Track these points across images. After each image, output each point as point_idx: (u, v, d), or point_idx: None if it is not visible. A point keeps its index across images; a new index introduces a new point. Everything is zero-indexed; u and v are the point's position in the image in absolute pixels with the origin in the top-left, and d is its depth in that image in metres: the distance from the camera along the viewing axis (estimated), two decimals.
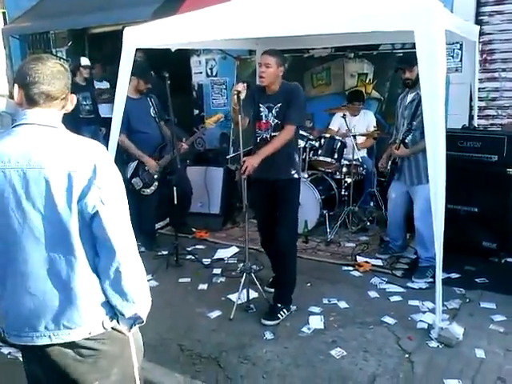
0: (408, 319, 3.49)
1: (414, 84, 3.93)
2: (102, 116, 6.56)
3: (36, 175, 1.56)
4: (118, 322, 1.73)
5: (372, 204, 5.47)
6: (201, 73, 7.45)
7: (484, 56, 5.42)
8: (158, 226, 5.44)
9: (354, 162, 5.26)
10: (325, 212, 5.13)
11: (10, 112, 4.89)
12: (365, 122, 5.64)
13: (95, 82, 6.92)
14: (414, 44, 2.95)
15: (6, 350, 3.27)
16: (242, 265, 4.27)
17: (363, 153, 5.74)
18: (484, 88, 5.46)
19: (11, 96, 6.52)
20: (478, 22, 5.29)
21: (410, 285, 4.00)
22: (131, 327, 1.76)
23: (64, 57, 8.39)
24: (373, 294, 3.89)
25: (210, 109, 7.32)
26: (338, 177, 5.48)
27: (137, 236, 1.73)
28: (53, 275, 1.62)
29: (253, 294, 3.76)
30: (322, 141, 5.30)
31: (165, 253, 4.68)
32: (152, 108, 4.80)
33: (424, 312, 3.56)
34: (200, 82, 7.50)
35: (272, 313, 3.52)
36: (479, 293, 3.81)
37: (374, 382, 2.86)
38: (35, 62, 1.65)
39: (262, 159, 3.40)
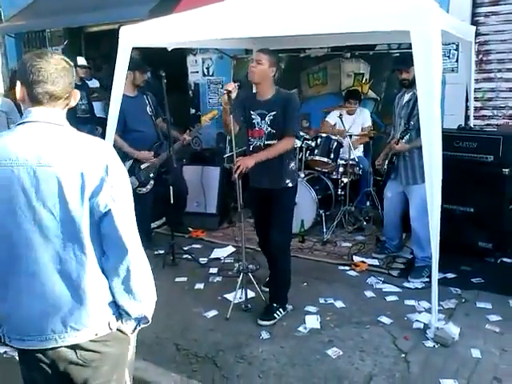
0: (404, 319, 3.49)
1: (411, 84, 3.94)
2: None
3: (47, 174, 1.53)
4: (122, 323, 1.72)
5: (368, 204, 5.47)
6: (197, 72, 7.45)
7: (480, 56, 5.44)
8: (154, 225, 5.44)
9: (351, 162, 5.28)
10: (321, 212, 5.14)
11: (5, 110, 4.88)
12: (360, 119, 5.68)
13: (86, 80, 6.88)
14: (411, 44, 2.95)
15: (1, 349, 3.25)
16: (238, 264, 4.27)
17: (359, 152, 5.76)
18: (480, 88, 5.48)
19: (6, 94, 6.50)
20: (474, 22, 5.30)
21: (406, 284, 4.01)
22: (135, 328, 1.75)
23: None
24: (369, 293, 3.90)
25: (206, 108, 7.32)
26: (335, 176, 5.50)
27: None
28: (63, 275, 1.59)
29: (250, 294, 3.76)
30: (319, 140, 5.32)
31: (161, 252, 4.67)
32: (148, 106, 4.79)
33: (420, 312, 3.57)
34: (196, 81, 7.50)
35: (268, 313, 3.52)
36: (475, 293, 3.82)
37: (370, 381, 2.86)
38: (39, 58, 1.60)
39: (255, 162, 3.36)
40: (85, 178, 1.54)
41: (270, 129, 3.43)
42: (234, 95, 3.32)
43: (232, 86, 3.32)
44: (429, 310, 3.41)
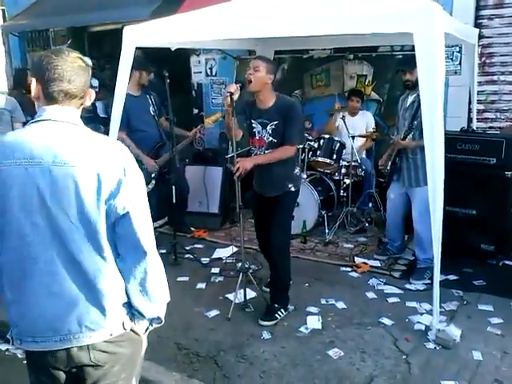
0: (405, 320, 3.49)
1: (415, 86, 3.92)
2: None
3: (63, 173, 1.50)
4: (135, 323, 1.71)
5: (371, 205, 5.48)
6: (200, 72, 7.45)
7: (483, 59, 5.44)
8: (156, 224, 5.44)
9: (353, 163, 5.28)
10: (323, 213, 5.14)
11: (9, 109, 4.87)
12: (363, 122, 5.66)
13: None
14: (414, 46, 2.96)
15: (3, 347, 3.26)
16: (239, 264, 4.27)
17: (362, 154, 5.75)
18: (483, 91, 5.47)
19: (10, 93, 6.51)
20: (478, 25, 5.30)
21: (407, 286, 4.01)
22: (147, 328, 1.75)
23: None
24: (371, 294, 3.90)
25: (209, 108, 7.33)
26: (337, 178, 5.49)
27: None
28: (80, 275, 1.57)
29: (251, 294, 3.77)
30: (321, 141, 5.32)
31: (163, 251, 4.67)
32: (151, 106, 4.81)
33: (421, 313, 3.56)
34: (199, 82, 7.50)
35: (269, 313, 3.52)
36: (477, 295, 3.82)
37: (371, 382, 2.86)
38: (56, 56, 1.57)
39: (254, 164, 3.37)
40: (101, 178, 1.51)
41: (271, 138, 3.42)
42: (236, 97, 3.30)
43: (234, 88, 3.29)
44: (430, 312, 3.41)
